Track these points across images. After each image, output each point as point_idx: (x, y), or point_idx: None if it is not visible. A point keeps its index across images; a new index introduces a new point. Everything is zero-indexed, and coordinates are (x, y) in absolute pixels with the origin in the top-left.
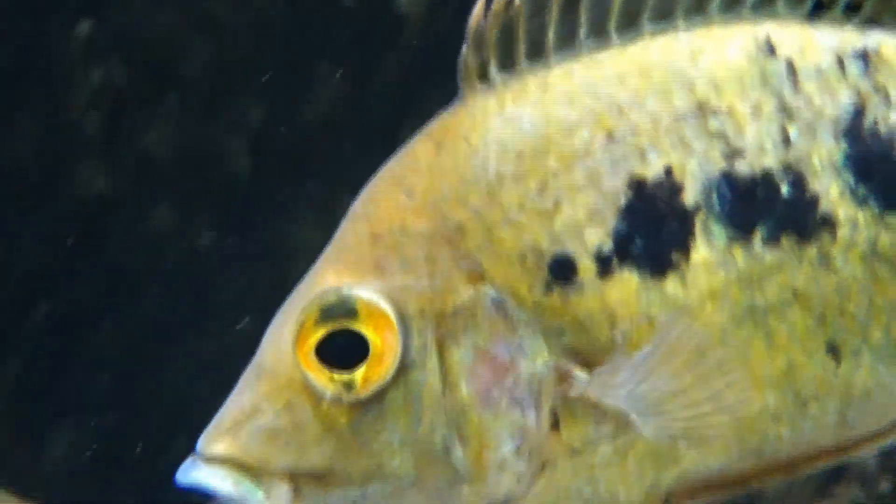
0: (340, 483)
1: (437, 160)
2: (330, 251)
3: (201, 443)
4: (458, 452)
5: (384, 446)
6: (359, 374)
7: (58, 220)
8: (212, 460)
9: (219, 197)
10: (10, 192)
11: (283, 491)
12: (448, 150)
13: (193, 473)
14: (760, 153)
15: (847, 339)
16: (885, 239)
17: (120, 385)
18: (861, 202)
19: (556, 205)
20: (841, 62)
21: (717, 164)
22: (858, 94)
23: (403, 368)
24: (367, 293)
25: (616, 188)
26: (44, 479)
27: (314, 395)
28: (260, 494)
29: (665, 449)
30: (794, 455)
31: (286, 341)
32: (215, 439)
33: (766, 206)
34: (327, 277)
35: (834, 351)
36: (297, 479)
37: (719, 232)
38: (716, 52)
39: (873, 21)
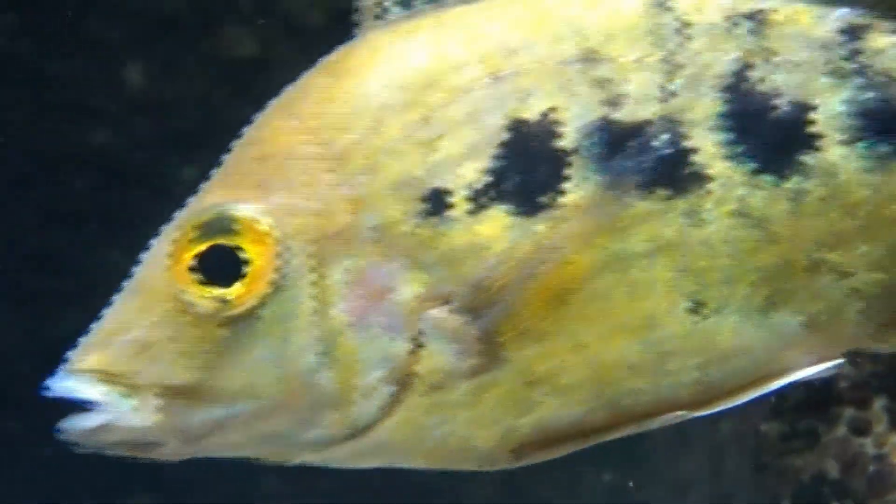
0: (208, 400)
1: (328, 89)
2: (215, 174)
3: (70, 357)
4: (327, 375)
5: (253, 365)
6: (235, 290)
7: (208, 81)
8: (81, 371)
9: None
10: (161, 51)
11: (151, 403)
12: (339, 80)
13: (62, 384)
14: (641, 103)
15: (711, 297)
16: (757, 199)
17: None
18: (736, 160)
19: (436, 138)
20: (733, 21)
21: (597, 111)
22: (745, 53)
23: (279, 287)
24: (247, 209)
25: (495, 126)
26: None
27: (189, 311)
28: (128, 404)
29: (522, 394)
30: (650, 409)
31: (163, 257)
32: (85, 352)
33: (640, 156)
34: (211, 196)
35: (697, 307)
36: (167, 393)
37: (592, 177)
38: (612, 3)
39: None
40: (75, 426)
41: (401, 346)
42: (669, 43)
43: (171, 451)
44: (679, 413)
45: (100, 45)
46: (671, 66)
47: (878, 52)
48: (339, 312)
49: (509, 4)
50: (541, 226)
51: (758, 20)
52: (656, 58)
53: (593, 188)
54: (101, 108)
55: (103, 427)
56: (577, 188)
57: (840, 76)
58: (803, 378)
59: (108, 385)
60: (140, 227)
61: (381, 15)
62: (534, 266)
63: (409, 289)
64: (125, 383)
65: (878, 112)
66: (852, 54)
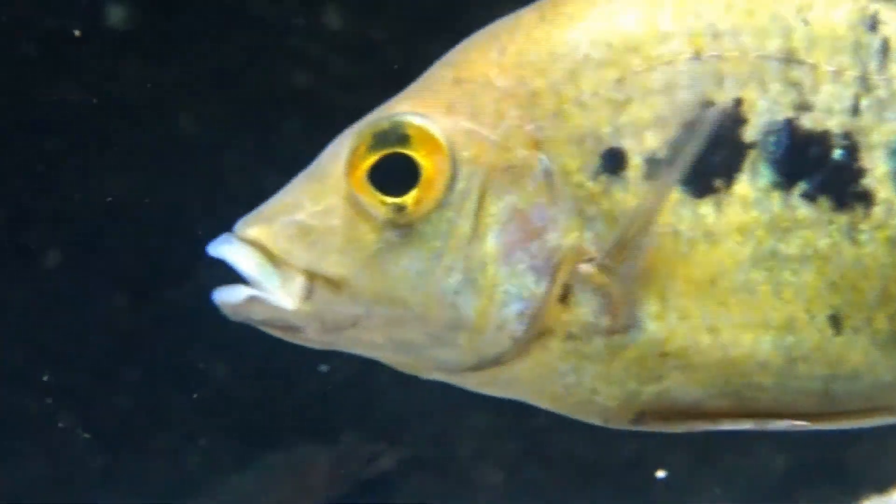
0: (352, 295)
1: (535, 29)
2: (410, 88)
3: (238, 225)
4: (466, 300)
5: (402, 273)
6: (410, 197)
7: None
8: (242, 240)
9: None
10: None
11: (297, 284)
12: (548, 23)
13: (222, 247)
14: (827, 114)
15: (851, 314)
16: None
17: None
18: None
19: (628, 100)
20: None
21: (785, 111)
22: None
23: (442, 206)
24: (419, 119)
25: (687, 102)
26: None
27: (357, 211)
28: (276, 280)
29: (653, 362)
30: (772, 408)
31: (342, 157)
32: (251, 223)
33: (814, 164)
34: (400, 106)
35: (836, 321)
36: (314, 278)
37: (765, 174)
38: (822, 11)
39: None
40: (227, 296)
41: (542, 288)
42: (869, 62)
43: (312, 338)
44: (799, 423)
45: None
46: (865, 84)
47: None
48: (492, 242)
49: None
50: (706, 208)
51: None
52: (852, 73)
53: (763, 184)
54: (301, 50)
55: (250, 301)
56: (749, 180)
57: None
58: None
59: (262, 259)
60: None
61: None
62: (690, 245)
63: (565, 236)
64: (278, 261)
65: None
66: None
